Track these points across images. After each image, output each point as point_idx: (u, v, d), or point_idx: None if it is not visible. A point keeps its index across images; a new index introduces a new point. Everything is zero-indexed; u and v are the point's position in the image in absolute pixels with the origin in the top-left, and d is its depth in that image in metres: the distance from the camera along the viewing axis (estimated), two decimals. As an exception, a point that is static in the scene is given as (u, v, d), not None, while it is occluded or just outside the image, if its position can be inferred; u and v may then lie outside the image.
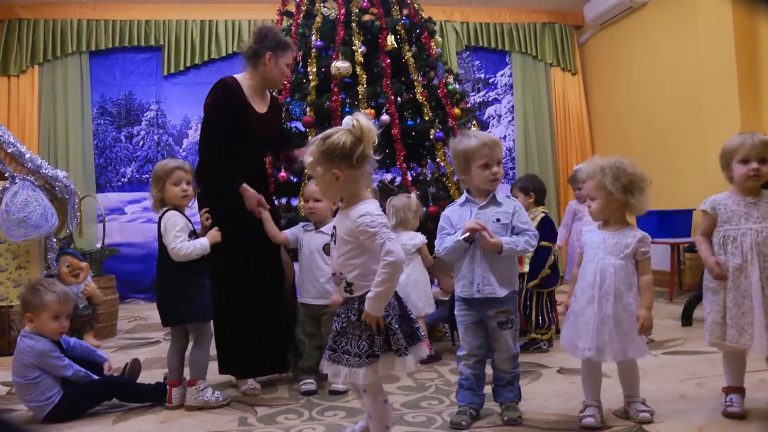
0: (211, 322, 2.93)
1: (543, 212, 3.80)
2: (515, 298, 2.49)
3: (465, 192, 2.53)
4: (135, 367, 3.11)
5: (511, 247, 2.35)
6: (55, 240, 4.22)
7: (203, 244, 2.77)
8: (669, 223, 5.55)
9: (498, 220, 2.40)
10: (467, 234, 2.34)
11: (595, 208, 2.40)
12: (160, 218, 2.81)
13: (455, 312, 2.54)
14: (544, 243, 3.59)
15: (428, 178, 4.22)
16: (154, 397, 2.84)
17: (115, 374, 2.99)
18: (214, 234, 2.83)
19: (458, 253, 2.42)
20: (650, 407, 2.38)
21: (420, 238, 3.55)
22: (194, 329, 2.82)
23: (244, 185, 2.99)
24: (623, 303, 2.30)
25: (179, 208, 2.86)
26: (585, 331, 2.32)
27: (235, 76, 3.19)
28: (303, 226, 3.17)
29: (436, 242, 2.51)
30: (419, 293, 3.47)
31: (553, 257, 3.72)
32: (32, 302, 2.70)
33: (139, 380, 3.05)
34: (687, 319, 4.21)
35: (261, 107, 3.20)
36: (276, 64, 3.13)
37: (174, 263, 2.74)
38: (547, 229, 3.72)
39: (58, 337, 2.77)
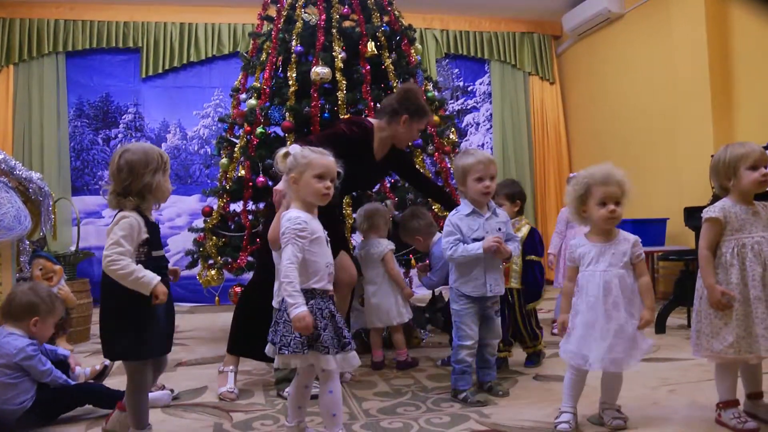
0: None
1: (527, 223, 3.53)
2: None
3: (467, 202, 2.86)
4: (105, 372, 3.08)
5: (514, 255, 2.88)
6: (28, 243, 4.15)
7: (147, 280, 2.09)
8: (643, 232, 5.57)
9: (500, 229, 2.83)
10: (490, 246, 2.71)
11: None
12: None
13: (454, 307, 2.87)
14: (535, 258, 3.39)
15: (406, 185, 4.24)
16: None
17: (87, 370, 2.98)
18: (160, 290, 2.11)
19: (471, 259, 2.78)
20: (624, 414, 2.40)
21: (385, 245, 3.55)
22: (128, 368, 2.24)
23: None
24: (629, 311, 2.31)
25: (146, 212, 2.23)
26: (596, 344, 2.29)
27: (374, 122, 3.26)
28: None
29: (446, 244, 2.83)
30: (390, 303, 3.49)
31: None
32: (42, 307, 2.71)
33: (113, 386, 3.01)
34: (660, 327, 4.27)
35: (379, 155, 3.30)
36: (409, 128, 3.22)
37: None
38: (537, 243, 3.43)
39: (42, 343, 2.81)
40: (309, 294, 2.17)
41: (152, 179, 2.19)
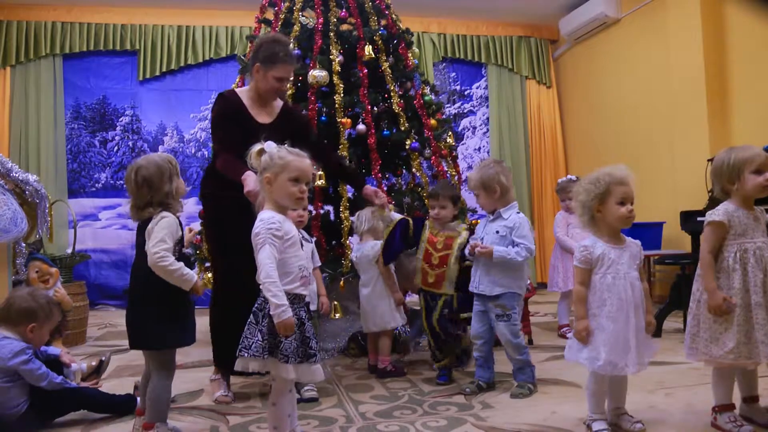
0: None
1: (466, 228, 3.35)
2: (513, 297, 2.98)
3: None
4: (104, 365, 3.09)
5: (502, 255, 2.91)
6: (24, 245, 4.14)
7: (190, 277, 2.30)
8: (639, 236, 5.56)
9: (497, 232, 3.00)
10: (469, 247, 3.02)
11: None
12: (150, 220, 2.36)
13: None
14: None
15: (403, 188, 4.24)
16: (124, 408, 2.80)
17: (83, 365, 2.98)
18: (200, 285, 2.36)
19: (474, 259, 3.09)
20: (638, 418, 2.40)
21: (380, 245, 3.46)
22: (164, 357, 2.40)
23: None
24: (643, 312, 2.33)
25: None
26: (626, 349, 2.27)
27: (238, 89, 3.22)
28: None
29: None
30: (384, 306, 3.43)
31: None
32: (40, 314, 2.71)
33: (109, 388, 3.01)
34: (657, 331, 4.27)
35: (265, 117, 3.16)
36: (264, 77, 3.07)
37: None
38: None
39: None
40: None
41: (170, 187, 2.38)
